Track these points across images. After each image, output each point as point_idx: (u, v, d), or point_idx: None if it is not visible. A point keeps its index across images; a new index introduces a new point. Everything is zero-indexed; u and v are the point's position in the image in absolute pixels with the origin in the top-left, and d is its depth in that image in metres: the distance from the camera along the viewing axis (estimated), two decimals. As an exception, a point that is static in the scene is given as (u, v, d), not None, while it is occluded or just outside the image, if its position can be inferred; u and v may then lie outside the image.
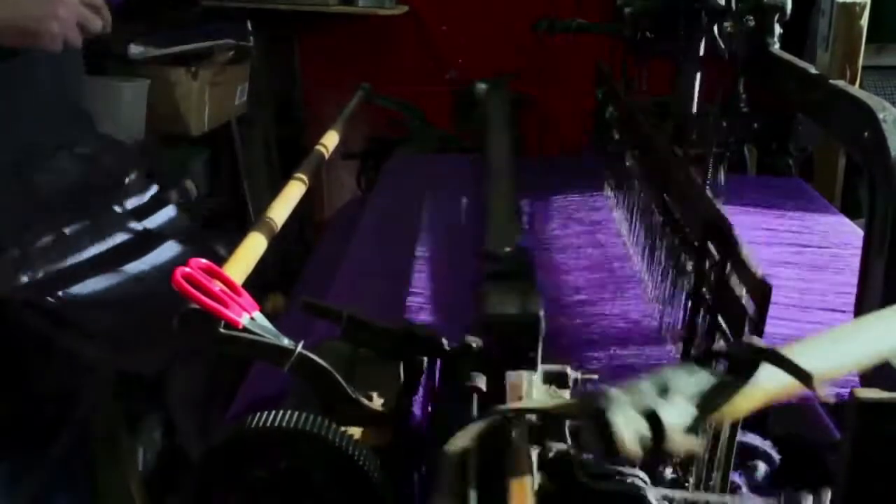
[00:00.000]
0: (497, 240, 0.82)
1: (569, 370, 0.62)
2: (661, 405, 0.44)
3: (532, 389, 0.59)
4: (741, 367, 0.48)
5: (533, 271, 0.74)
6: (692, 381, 0.46)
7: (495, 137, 1.27)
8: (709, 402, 0.45)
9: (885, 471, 0.53)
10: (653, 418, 0.43)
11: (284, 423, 0.61)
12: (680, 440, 0.43)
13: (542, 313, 0.63)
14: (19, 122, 1.22)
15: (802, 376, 0.45)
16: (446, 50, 2.59)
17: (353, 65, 2.52)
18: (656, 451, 0.43)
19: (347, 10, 2.44)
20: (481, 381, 0.63)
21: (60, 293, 1.19)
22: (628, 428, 0.42)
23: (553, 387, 0.62)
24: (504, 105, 1.46)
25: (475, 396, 0.62)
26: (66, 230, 1.20)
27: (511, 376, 0.60)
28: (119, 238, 1.26)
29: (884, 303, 0.61)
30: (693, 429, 0.44)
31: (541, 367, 0.62)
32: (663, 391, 0.45)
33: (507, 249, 0.77)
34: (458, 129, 1.69)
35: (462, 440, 0.51)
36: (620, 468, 0.56)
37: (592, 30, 1.56)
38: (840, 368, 0.49)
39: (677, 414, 0.44)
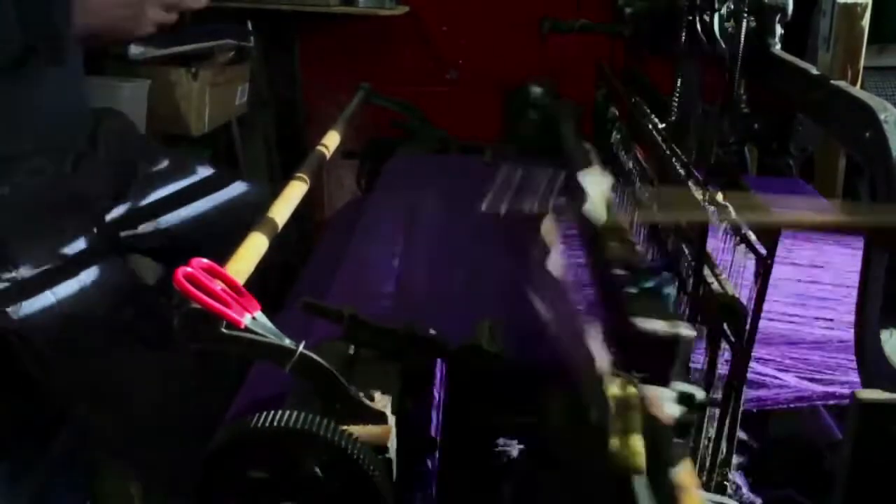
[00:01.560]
0: (617, 252, 0.83)
1: (696, 391, 0.62)
2: None
3: (667, 406, 0.59)
4: None
5: (668, 291, 0.74)
6: None
7: (575, 145, 1.28)
8: None
9: (885, 471, 0.53)
10: None
11: (285, 423, 0.61)
12: None
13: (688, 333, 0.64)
14: (19, 122, 1.22)
15: None
16: (446, 50, 2.59)
17: (354, 65, 2.52)
18: None
19: (348, 10, 2.44)
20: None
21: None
22: None
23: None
24: (571, 113, 1.47)
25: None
26: (64, 229, 1.20)
27: (647, 390, 0.61)
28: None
29: (884, 303, 0.61)
30: None
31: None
32: None
33: (643, 266, 0.78)
34: (509, 132, 1.68)
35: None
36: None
37: (595, 30, 1.56)
38: None
39: None
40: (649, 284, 0.72)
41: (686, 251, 0.80)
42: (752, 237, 0.69)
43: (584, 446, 0.60)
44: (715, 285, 0.72)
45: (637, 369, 0.62)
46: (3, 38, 1.06)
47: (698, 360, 0.76)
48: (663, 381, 0.62)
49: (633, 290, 0.71)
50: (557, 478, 0.67)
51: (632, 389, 0.57)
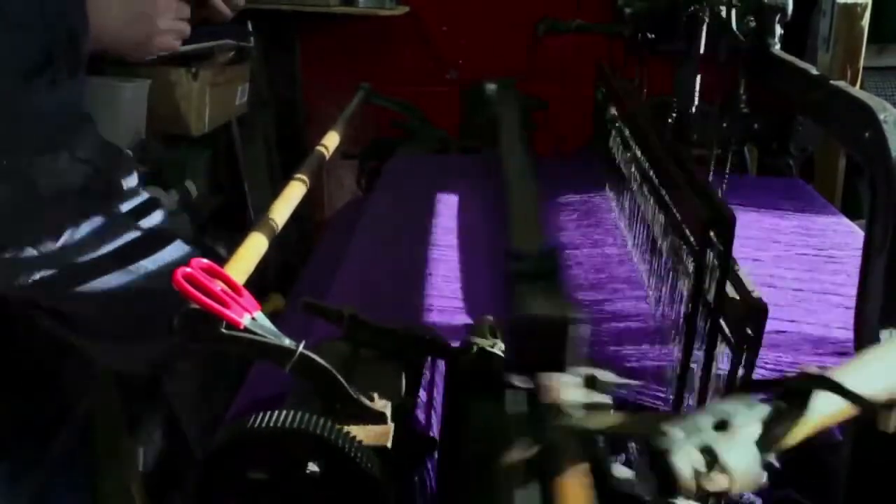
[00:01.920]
0: (522, 240, 0.82)
1: (599, 373, 0.61)
2: (722, 443, 0.42)
3: (566, 392, 0.59)
4: (796, 396, 0.46)
5: (562, 273, 0.74)
6: (750, 414, 0.44)
7: (510, 138, 1.28)
8: (769, 436, 0.44)
9: (885, 471, 0.53)
10: (712, 455, 0.42)
11: (285, 423, 0.61)
12: (744, 479, 0.42)
13: (575, 315, 0.63)
14: (19, 122, 1.22)
15: (864, 405, 0.44)
16: (446, 50, 2.59)
17: (354, 65, 2.52)
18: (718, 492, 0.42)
19: (348, 10, 2.44)
20: (520, 382, 0.62)
21: (62, 292, 1.19)
22: (688, 467, 0.41)
23: (590, 390, 0.61)
24: (517, 106, 1.47)
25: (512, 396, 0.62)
26: (66, 230, 1.20)
27: (544, 378, 0.60)
28: (119, 239, 1.26)
29: (884, 303, 0.61)
30: (757, 466, 0.43)
31: (576, 370, 0.62)
32: (721, 425, 0.44)
33: (535, 250, 0.77)
34: (465, 127, 1.69)
35: (521, 454, 0.50)
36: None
37: (593, 30, 1.56)
38: (892, 389, 0.48)
39: (739, 452, 0.43)
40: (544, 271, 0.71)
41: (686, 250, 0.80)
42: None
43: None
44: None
45: (533, 356, 0.62)
46: (27, 44, 1.06)
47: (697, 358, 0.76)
48: (558, 367, 0.62)
49: (525, 276, 0.71)
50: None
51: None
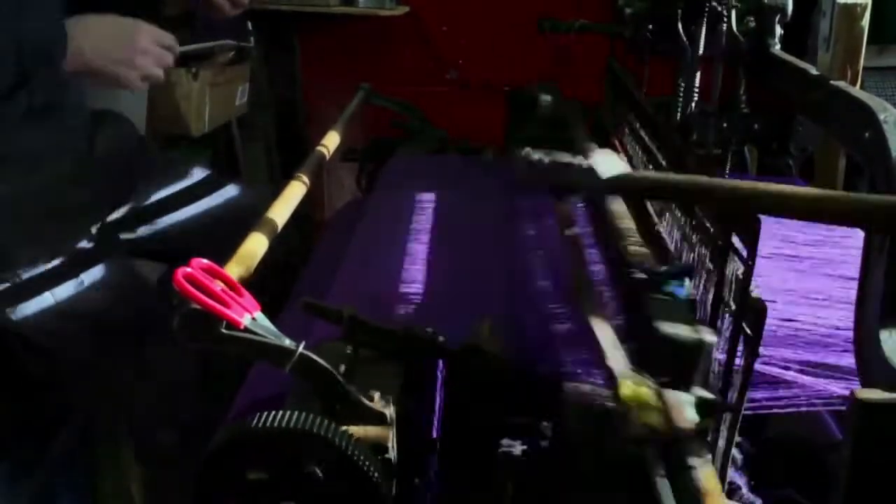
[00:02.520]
0: (636, 254, 0.84)
1: (712, 396, 0.62)
2: None
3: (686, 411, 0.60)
4: None
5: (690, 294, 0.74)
6: None
7: (589, 147, 1.27)
8: None
9: (885, 471, 0.53)
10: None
11: (284, 423, 0.61)
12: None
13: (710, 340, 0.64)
14: (19, 123, 1.22)
15: None
16: (446, 50, 2.59)
17: (354, 65, 2.52)
18: None
19: (348, 10, 2.44)
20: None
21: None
22: None
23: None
24: (581, 115, 1.47)
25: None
26: (63, 232, 1.20)
27: (671, 395, 0.61)
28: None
29: (884, 303, 0.61)
30: None
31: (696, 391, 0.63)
32: None
33: (664, 267, 0.78)
34: (513, 133, 1.67)
35: None
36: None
37: (593, 30, 1.56)
38: None
39: None
40: (671, 289, 0.72)
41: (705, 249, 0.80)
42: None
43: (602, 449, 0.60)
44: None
45: (659, 373, 0.63)
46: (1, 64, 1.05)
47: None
48: (685, 387, 0.62)
49: (656, 294, 0.71)
50: (569, 480, 0.67)
51: (644, 389, 0.56)
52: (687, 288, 0.73)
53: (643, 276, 0.76)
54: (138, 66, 1.19)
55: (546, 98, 1.58)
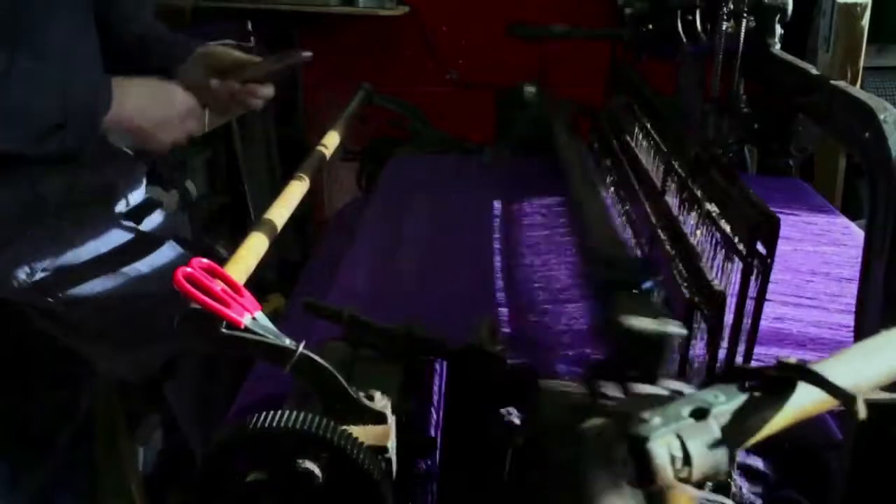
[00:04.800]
0: (604, 246, 0.83)
1: (685, 387, 0.62)
2: (691, 431, 0.42)
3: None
4: (773, 386, 0.46)
5: (654, 283, 0.74)
6: (727, 403, 0.45)
7: (568, 143, 1.28)
8: (740, 425, 0.44)
9: (885, 471, 0.53)
10: (685, 447, 0.42)
11: (285, 423, 0.61)
12: (704, 469, 0.42)
13: (675, 330, 0.64)
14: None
15: (843, 396, 0.44)
16: (446, 50, 2.59)
17: (354, 65, 2.52)
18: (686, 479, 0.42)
19: (348, 10, 2.44)
20: (611, 390, 0.63)
21: (59, 294, 1.20)
22: (665, 455, 0.41)
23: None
24: (569, 111, 1.47)
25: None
26: (66, 231, 1.20)
27: (638, 388, 0.61)
28: (119, 239, 1.26)
29: (884, 303, 0.61)
30: (720, 456, 0.43)
31: (665, 383, 0.63)
32: (700, 413, 0.44)
33: (624, 258, 0.77)
34: (503, 132, 1.67)
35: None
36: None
37: (574, 36, 1.55)
38: (873, 383, 0.48)
39: (705, 441, 0.43)
40: (636, 281, 0.72)
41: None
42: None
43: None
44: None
45: (626, 368, 0.62)
46: (47, 107, 1.07)
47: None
48: (652, 380, 0.62)
49: (620, 287, 0.71)
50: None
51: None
52: (652, 280, 0.73)
53: (610, 270, 0.75)
54: (174, 131, 1.20)
55: (530, 89, 1.58)
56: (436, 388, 0.82)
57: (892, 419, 0.50)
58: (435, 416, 0.80)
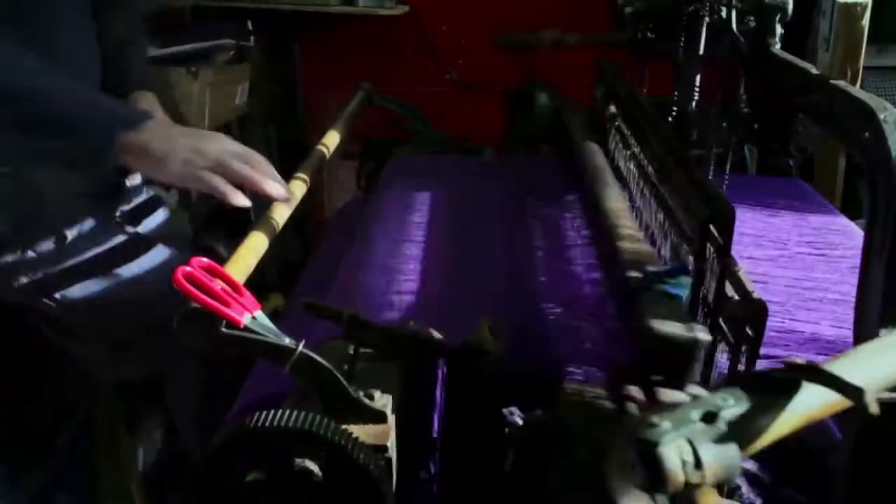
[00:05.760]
0: (634, 253, 0.83)
1: (704, 393, 0.62)
2: (701, 435, 0.42)
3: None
4: (782, 388, 0.46)
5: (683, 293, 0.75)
6: (736, 406, 0.45)
7: (587, 145, 1.27)
8: (750, 429, 0.44)
9: (885, 471, 0.53)
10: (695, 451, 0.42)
11: (285, 423, 0.61)
12: (717, 472, 0.42)
13: (704, 337, 0.64)
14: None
15: (853, 393, 0.44)
16: (446, 50, 2.59)
17: (354, 65, 2.52)
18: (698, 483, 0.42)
19: (348, 10, 2.44)
20: (638, 393, 0.63)
21: (57, 296, 1.19)
22: (676, 459, 0.41)
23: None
24: (582, 110, 1.47)
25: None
26: (65, 233, 1.21)
27: (665, 394, 0.61)
28: (117, 240, 1.26)
29: (884, 303, 0.61)
30: (732, 460, 0.43)
31: (691, 390, 0.63)
32: (709, 417, 0.44)
33: (664, 267, 0.78)
34: (514, 132, 1.66)
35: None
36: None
37: (564, 43, 1.55)
38: (882, 382, 0.48)
39: (715, 444, 0.43)
40: (667, 288, 0.72)
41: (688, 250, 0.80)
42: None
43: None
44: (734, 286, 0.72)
45: (653, 373, 0.62)
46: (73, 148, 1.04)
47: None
48: (679, 385, 0.62)
49: (649, 293, 0.71)
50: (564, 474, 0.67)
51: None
52: (683, 287, 0.73)
53: (639, 274, 0.76)
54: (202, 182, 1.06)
55: (541, 88, 1.58)
56: (436, 389, 0.82)
57: (893, 419, 0.50)
58: (435, 416, 0.80)
